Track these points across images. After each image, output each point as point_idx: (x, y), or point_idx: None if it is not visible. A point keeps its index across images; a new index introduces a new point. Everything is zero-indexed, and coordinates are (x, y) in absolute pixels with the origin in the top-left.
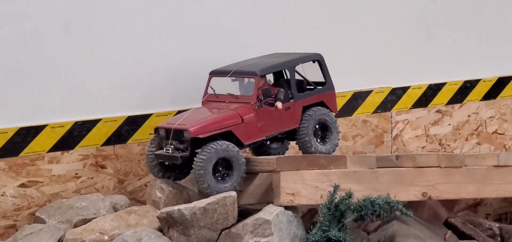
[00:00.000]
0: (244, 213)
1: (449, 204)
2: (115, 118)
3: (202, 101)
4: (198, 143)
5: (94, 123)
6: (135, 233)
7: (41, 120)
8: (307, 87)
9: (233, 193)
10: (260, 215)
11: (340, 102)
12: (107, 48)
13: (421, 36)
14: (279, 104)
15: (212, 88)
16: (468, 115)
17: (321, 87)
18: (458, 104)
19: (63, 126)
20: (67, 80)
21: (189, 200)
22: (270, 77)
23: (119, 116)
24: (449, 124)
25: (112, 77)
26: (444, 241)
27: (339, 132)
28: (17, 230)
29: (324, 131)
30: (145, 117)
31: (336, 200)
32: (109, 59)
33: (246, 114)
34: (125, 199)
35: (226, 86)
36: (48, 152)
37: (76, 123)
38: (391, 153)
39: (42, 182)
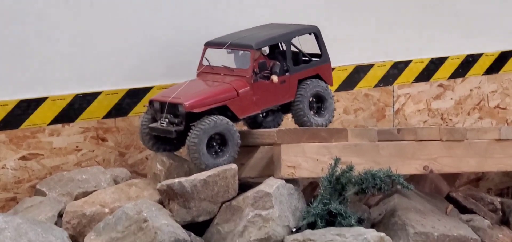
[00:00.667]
0: (245, 186)
1: (451, 178)
2: (116, 91)
3: (197, 73)
4: (192, 116)
5: (95, 95)
6: (136, 206)
7: (42, 92)
8: (303, 59)
9: (234, 166)
10: (260, 187)
11: (341, 76)
12: (108, 19)
13: (424, 9)
14: (274, 78)
15: (207, 60)
16: (470, 90)
17: (317, 60)
18: (460, 79)
19: (63, 99)
20: (68, 52)
21: (189, 173)
22: (265, 48)
23: (120, 89)
24: (451, 98)
25: (113, 50)
26: (446, 215)
27: (336, 101)
28: (17, 202)
29: (319, 103)
30: (146, 90)
31: (337, 173)
32: (110, 31)
33: (241, 88)
34: (126, 171)
35: (221, 58)
36: (49, 124)
37: (77, 95)
38: (392, 126)
39: (42, 155)
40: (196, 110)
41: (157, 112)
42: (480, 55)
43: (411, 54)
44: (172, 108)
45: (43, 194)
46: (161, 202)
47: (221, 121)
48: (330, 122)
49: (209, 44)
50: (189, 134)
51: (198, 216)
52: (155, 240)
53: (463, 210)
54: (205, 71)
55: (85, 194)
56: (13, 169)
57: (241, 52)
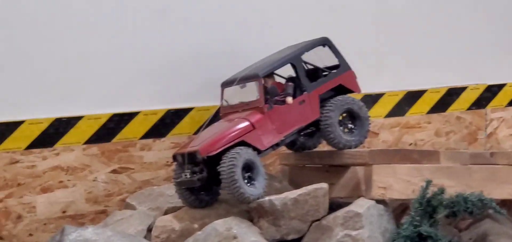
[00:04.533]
0: (335, 206)
1: None
2: (207, 107)
3: (220, 115)
4: (212, 160)
5: (186, 111)
6: (226, 222)
7: (134, 107)
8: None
9: (325, 185)
10: (351, 207)
11: (434, 98)
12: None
13: None
14: (289, 99)
15: (226, 101)
16: None
17: (335, 71)
18: None
19: (155, 114)
20: (158, 69)
21: (279, 191)
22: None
23: (211, 106)
24: None
25: (202, 67)
26: None
27: (427, 123)
28: (107, 215)
29: (352, 119)
30: None
31: (428, 195)
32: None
33: (256, 119)
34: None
35: (238, 94)
36: (140, 138)
37: (169, 111)
38: (484, 150)
39: (133, 169)
40: (212, 154)
41: (182, 165)
42: None
43: (505, 77)
44: (192, 157)
45: (133, 207)
46: (250, 219)
47: (246, 151)
48: (362, 142)
49: (224, 84)
50: (221, 173)
51: (287, 234)
52: None
53: None
54: (226, 111)
55: (175, 209)
56: (104, 182)
57: (251, 84)
